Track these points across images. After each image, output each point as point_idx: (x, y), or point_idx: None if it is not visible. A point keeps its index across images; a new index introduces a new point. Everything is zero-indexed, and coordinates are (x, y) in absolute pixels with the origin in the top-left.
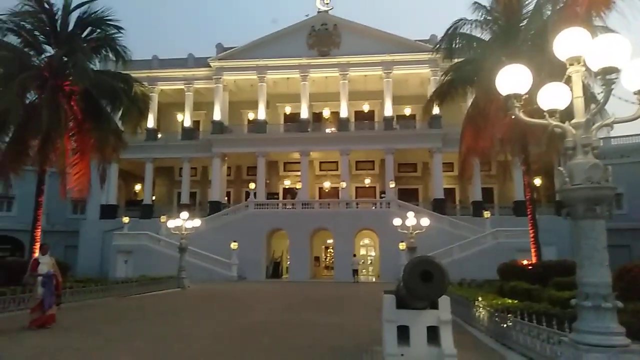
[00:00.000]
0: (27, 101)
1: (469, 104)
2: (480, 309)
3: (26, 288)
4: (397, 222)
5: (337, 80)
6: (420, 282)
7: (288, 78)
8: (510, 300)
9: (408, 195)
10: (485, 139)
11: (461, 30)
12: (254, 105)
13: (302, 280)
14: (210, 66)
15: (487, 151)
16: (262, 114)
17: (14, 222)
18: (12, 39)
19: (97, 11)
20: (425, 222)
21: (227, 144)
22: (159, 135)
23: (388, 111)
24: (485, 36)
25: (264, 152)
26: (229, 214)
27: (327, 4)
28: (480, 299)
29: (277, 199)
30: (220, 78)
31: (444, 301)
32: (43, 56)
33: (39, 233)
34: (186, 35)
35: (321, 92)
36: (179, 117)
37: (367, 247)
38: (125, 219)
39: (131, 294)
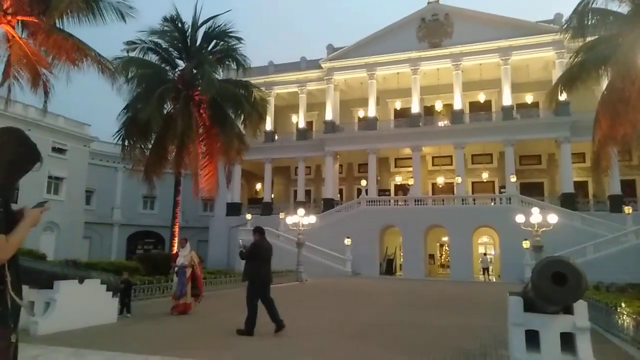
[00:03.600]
0: (165, 111)
1: (604, 87)
2: (625, 317)
3: (168, 277)
4: (519, 218)
5: (449, 72)
6: (552, 285)
7: (398, 73)
8: None
9: (531, 190)
10: (625, 124)
11: (593, 5)
12: (364, 103)
13: (417, 278)
14: (321, 67)
15: (628, 138)
16: (372, 110)
17: (156, 219)
18: (152, 57)
19: (220, 25)
20: (553, 218)
21: (339, 143)
22: (276, 137)
23: (507, 100)
24: (623, 9)
25: (374, 148)
26: (341, 211)
27: None
28: (623, 305)
29: (389, 195)
30: (331, 78)
31: (581, 306)
32: (177, 70)
33: (177, 229)
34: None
35: (433, 84)
36: (294, 118)
37: (485, 245)
38: (248, 216)
39: None
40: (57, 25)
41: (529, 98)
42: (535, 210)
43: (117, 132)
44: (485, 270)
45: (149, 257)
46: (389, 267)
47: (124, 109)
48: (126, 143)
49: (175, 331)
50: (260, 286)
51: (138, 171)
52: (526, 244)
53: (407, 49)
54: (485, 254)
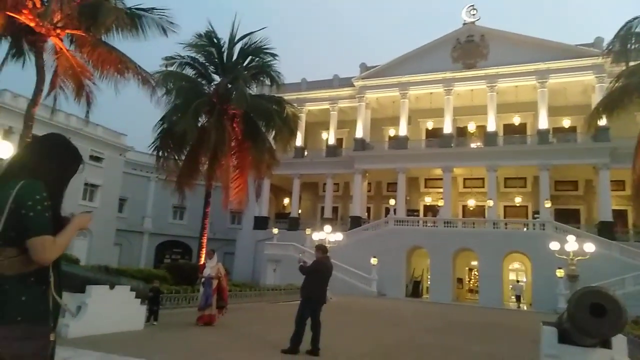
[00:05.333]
0: (199, 124)
1: None
2: None
3: (194, 287)
4: (554, 246)
5: (483, 93)
6: (590, 316)
7: (431, 93)
8: None
9: (567, 217)
10: None
11: (637, 29)
12: (395, 122)
13: (444, 302)
14: (353, 85)
15: None
16: (403, 129)
17: (185, 229)
18: (189, 71)
19: (255, 41)
20: (589, 247)
21: (368, 161)
22: (306, 153)
23: (543, 123)
24: None
25: (404, 168)
26: (369, 229)
27: (474, 14)
28: None
29: (418, 216)
30: (363, 96)
31: (620, 340)
32: (212, 84)
33: (205, 240)
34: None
35: (466, 105)
36: (324, 135)
37: (517, 272)
38: (275, 230)
39: (279, 301)
40: (103, 39)
41: (566, 122)
42: (570, 238)
43: (153, 142)
44: (518, 297)
45: (176, 266)
46: (415, 290)
47: (160, 120)
48: (160, 154)
49: (200, 342)
50: (314, 305)
51: (170, 182)
52: (560, 273)
53: (441, 69)
54: (517, 281)
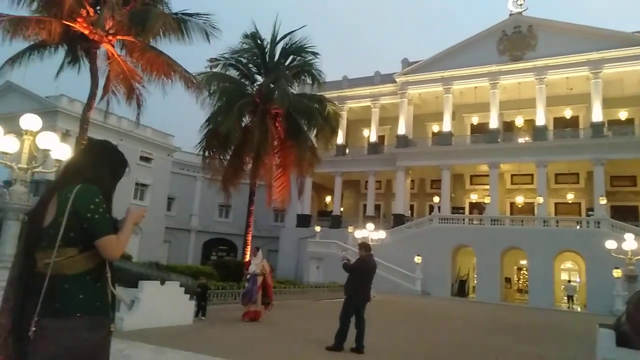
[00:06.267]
0: (243, 124)
1: None
2: None
3: (240, 284)
4: (610, 244)
5: (532, 86)
6: None
7: (476, 87)
8: None
9: (624, 214)
10: None
11: None
12: (438, 118)
13: (491, 302)
14: (395, 82)
15: None
16: (447, 125)
17: (230, 227)
18: (232, 72)
19: (296, 41)
20: None
21: (411, 158)
22: (347, 150)
23: (597, 116)
24: None
25: (448, 165)
26: (412, 227)
27: (521, 5)
28: None
29: (463, 213)
30: (405, 92)
31: None
32: (255, 84)
33: (249, 237)
34: (374, 53)
35: (513, 99)
36: (365, 132)
37: (569, 272)
38: (317, 228)
39: (323, 299)
40: (151, 44)
41: (622, 114)
42: (629, 236)
43: (199, 143)
44: (570, 298)
45: (222, 263)
46: (461, 289)
47: (206, 121)
48: (206, 154)
49: (247, 337)
50: (358, 303)
51: (216, 181)
52: (617, 273)
53: (487, 63)
54: (569, 281)
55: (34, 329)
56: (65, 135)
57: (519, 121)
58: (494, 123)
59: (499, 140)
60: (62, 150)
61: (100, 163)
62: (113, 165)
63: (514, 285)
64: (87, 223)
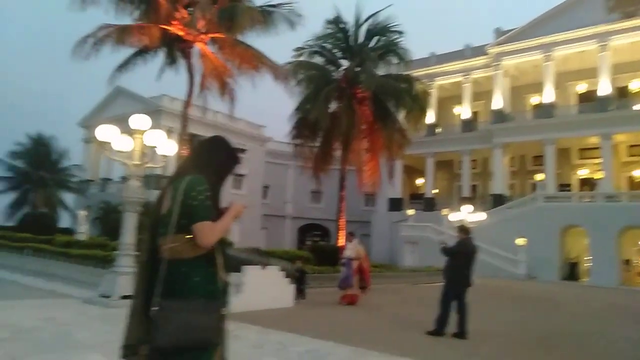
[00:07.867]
0: (330, 110)
1: None
2: None
3: (335, 268)
4: None
5: None
6: None
7: (582, 51)
8: None
9: None
10: None
11: None
12: (538, 88)
13: (607, 286)
14: (487, 53)
15: None
16: (549, 96)
17: (322, 212)
18: (317, 59)
19: (381, 21)
20: None
21: (509, 133)
22: (438, 130)
23: None
24: None
25: (552, 138)
26: (513, 208)
27: None
28: None
29: (570, 191)
30: (499, 64)
31: None
32: (340, 69)
33: (342, 222)
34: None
35: (626, 61)
36: (457, 110)
37: None
38: (410, 211)
39: (419, 283)
40: (239, 39)
41: None
42: None
43: (289, 132)
44: None
45: (318, 248)
46: (571, 272)
47: (295, 110)
48: (296, 142)
49: (346, 321)
50: (458, 287)
51: (307, 168)
52: None
53: (593, 23)
54: None
55: (156, 308)
56: (168, 132)
57: (635, 85)
58: (604, 89)
59: (611, 108)
60: (168, 146)
61: (211, 156)
62: (222, 159)
63: (635, 268)
64: (189, 209)
